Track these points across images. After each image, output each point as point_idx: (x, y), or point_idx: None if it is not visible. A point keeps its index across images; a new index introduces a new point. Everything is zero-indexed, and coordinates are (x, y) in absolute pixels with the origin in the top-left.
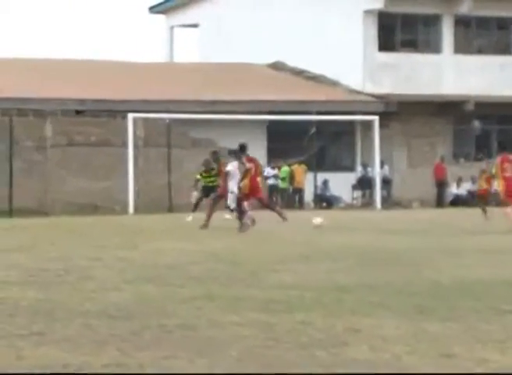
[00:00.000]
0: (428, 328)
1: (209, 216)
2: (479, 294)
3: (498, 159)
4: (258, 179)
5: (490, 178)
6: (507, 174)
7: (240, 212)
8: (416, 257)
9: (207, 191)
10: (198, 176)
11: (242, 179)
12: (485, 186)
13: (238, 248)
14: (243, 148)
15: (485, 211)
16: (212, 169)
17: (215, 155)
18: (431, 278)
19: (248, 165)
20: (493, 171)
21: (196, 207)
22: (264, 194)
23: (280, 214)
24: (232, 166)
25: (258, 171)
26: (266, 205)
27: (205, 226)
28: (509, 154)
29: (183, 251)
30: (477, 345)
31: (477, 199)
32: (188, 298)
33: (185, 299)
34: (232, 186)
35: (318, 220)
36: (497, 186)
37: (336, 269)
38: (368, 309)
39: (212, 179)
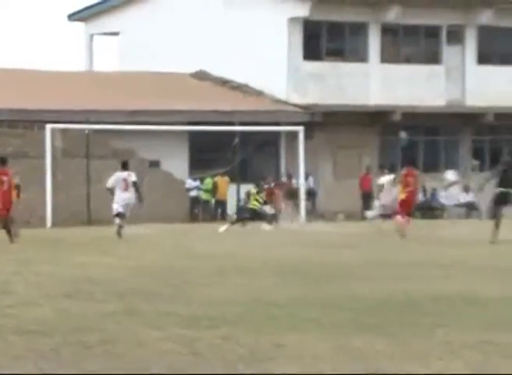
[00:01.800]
0: (357, 344)
1: None
2: (410, 308)
3: (403, 172)
4: (13, 192)
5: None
6: (409, 188)
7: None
8: (347, 271)
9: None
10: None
11: None
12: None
13: (162, 261)
14: (2, 161)
15: None
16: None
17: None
18: (361, 293)
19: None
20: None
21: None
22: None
23: (13, 235)
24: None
25: (12, 184)
26: (4, 222)
27: None
28: (414, 168)
29: (105, 265)
30: (405, 361)
31: None
32: (110, 313)
33: (106, 314)
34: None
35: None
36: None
37: (266, 284)
38: (297, 325)
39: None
